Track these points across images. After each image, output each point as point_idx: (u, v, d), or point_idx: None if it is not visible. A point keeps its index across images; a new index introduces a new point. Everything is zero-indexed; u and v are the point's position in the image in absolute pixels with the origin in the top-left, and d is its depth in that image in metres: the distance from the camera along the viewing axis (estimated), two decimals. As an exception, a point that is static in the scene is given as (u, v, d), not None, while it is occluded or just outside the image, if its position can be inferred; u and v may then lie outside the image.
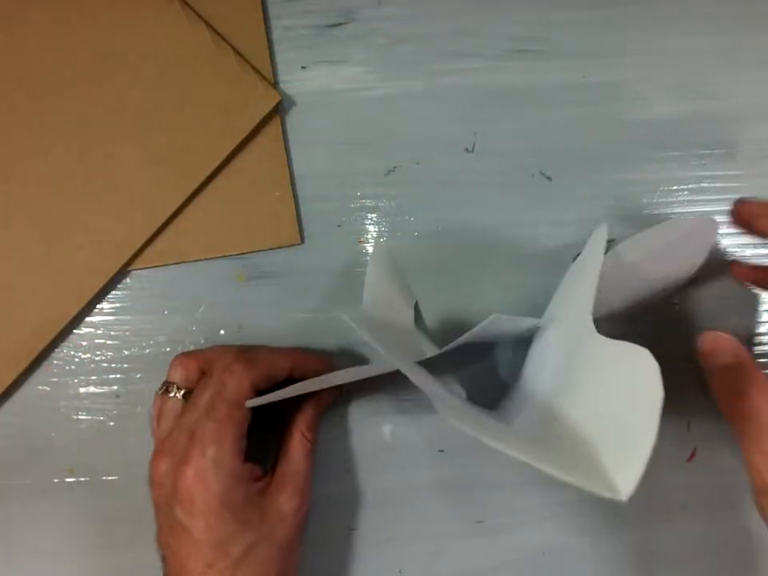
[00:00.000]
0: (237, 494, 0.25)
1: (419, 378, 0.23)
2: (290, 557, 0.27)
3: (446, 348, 0.25)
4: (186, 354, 0.29)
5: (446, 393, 0.26)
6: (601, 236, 0.24)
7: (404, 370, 0.23)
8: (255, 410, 0.27)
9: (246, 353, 0.28)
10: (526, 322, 0.27)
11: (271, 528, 0.26)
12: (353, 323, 0.24)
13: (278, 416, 0.30)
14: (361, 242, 0.33)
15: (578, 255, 0.29)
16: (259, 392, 0.26)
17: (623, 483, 0.17)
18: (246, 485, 0.26)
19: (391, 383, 0.32)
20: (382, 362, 0.25)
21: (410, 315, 0.32)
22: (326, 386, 0.27)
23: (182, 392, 0.28)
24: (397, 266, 0.31)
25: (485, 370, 0.25)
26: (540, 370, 0.27)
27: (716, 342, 0.26)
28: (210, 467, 0.25)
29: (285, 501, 0.27)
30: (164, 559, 0.26)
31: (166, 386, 0.28)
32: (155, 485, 0.26)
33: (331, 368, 0.30)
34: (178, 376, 0.28)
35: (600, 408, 0.21)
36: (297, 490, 0.27)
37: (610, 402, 0.20)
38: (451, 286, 0.33)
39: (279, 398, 0.26)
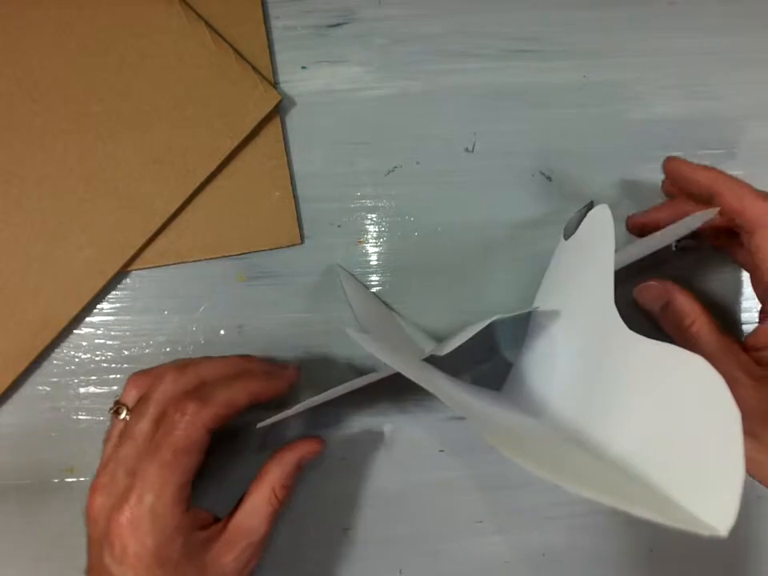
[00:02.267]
0: (173, 548, 0.23)
1: (425, 378, 0.23)
2: None
3: (447, 350, 0.25)
4: (141, 373, 0.26)
5: (453, 385, 0.26)
6: (605, 220, 0.23)
7: (410, 376, 0.22)
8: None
9: (199, 386, 0.25)
10: (522, 313, 0.27)
11: None
12: (358, 339, 0.23)
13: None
14: (361, 242, 0.33)
15: (569, 227, 0.29)
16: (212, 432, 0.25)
17: (718, 519, 0.15)
18: (186, 536, 0.23)
19: (391, 383, 0.32)
20: (384, 367, 0.25)
21: (396, 317, 0.32)
22: (333, 396, 0.27)
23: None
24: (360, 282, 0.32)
25: (486, 350, 0.25)
26: (550, 373, 0.26)
27: (644, 291, 0.29)
28: (145, 517, 0.22)
29: (230, 560, 0.24)
30: None
31: (117, 407, 0.26)
32: (89, 520, 0.24)
33: (295, 382, 0.28)
34: (130, 398, 0.26)
35: (656, 433, 0.19)
36: (246, 549, 0.24)
37: (669, 425, 0.19)
38: (451, 286, 0.33)
39: (285, 416, 0.26)
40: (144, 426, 0.24)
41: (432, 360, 0.26)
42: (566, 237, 0.28)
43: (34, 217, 0.31)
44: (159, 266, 0.32)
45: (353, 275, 0.33)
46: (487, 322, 0.24)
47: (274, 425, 0.27)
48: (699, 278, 0.33)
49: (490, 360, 0.32)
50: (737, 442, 0.16)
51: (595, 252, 0.23)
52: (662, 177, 0.34)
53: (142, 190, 0.31)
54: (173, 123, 0.31)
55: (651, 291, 0.29)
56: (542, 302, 0.29)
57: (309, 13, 0.34)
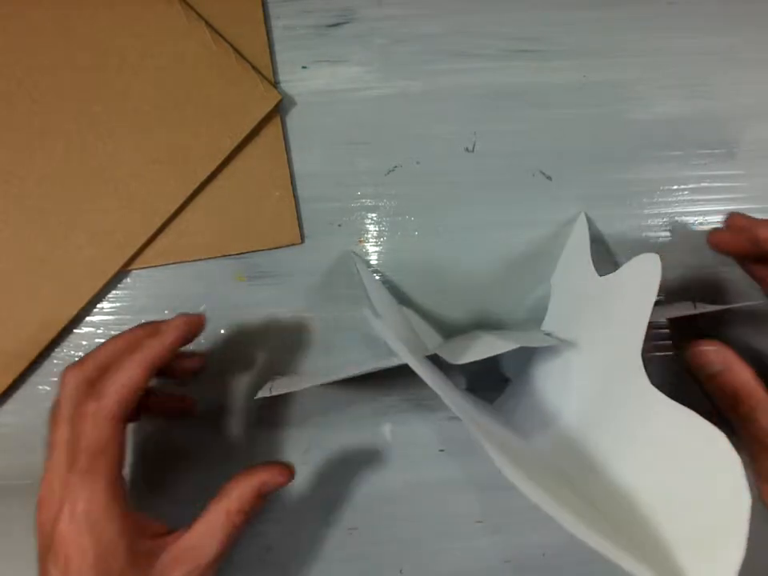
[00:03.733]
0: (115, 556, 0.22)
1: (426, 374, 0.23)
2: None
3: (461, 361, 0.25)
4: (74, 367, 0.24)
5: (448, 387, 0.26)
6: (652, 272, 0.22)
7: (418, 371, 0.22)
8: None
9: (98, 377, 0.24)
10: (536, 339, 0.27)
11: None
12: (374, 323, 0.23)
13: None
14: (361, 242, 0.33)
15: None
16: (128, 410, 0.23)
17: None
18: (130, 542, 0.22)
19: (391, 383, 0.32)
20: (388, 357, 0.25)
21: (403, 309, 0.32)
22: (335, 378, 0.27)
23: None
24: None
25: (486, 362, 0.25)
26: (563, 392, 0.27)
27: (700, 355, 0.26)
28: (83, 525, 0.22)
29: None
30: None
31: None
32: (37, 533, 0.23)
33: (191, 330, 0.26)
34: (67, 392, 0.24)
35: (665, 490, 0.20)
36: (194, 571, 0.23)
37: (679, 487, 0.19)
38: (451, 285, 0.33)
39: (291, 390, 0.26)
40: (63, 432, 0.23)
41: (432, 359, 0.26)
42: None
43: (34, 217, 0.31)
44: (159, 266, 0.32)
45: (366, 263, 0.33)
46: (512, 346, 0.24)
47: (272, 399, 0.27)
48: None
49: (487, 371, 0.32)
50: (742, 529, 0.16)
51: (634, 301, 0.23)
52: (661, 176, 0.34)
53: (142, 190, 0.31)
54: (173, 123, 0.31)
55: (708, 356, 0.26)
56: (557, 326, 0.29)
57: (309, 13, 0.34)
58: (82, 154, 0.31)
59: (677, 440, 0.20)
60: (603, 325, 0.26)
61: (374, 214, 0.33)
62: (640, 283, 0.23)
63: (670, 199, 0.34)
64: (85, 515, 0.22)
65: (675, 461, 0.20)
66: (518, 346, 0.24)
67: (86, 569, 0.22)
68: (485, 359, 0.24)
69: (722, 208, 0.34)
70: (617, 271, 0.26)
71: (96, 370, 0.24)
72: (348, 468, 0.32)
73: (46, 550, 0.23)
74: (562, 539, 0.32)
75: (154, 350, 0.24)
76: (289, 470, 0.25)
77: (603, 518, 0.20)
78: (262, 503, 0.25)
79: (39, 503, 0.23)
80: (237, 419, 0.32)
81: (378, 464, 0.32)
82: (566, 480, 0.23)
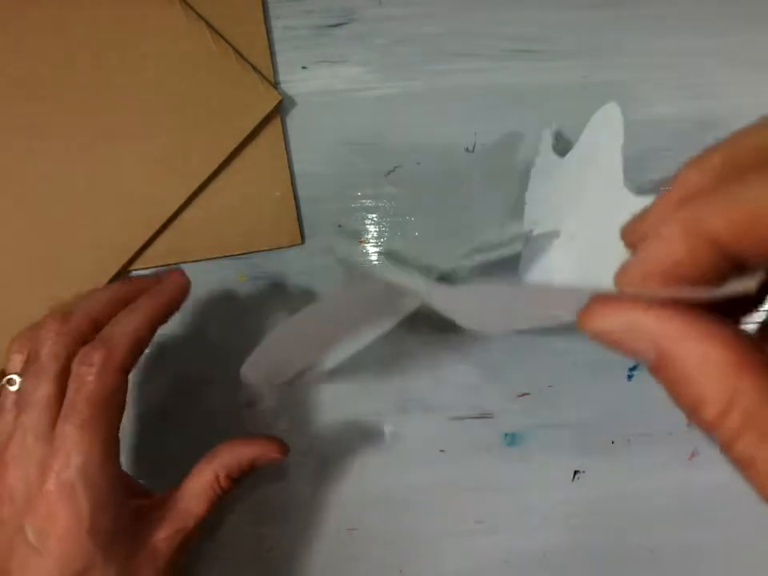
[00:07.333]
0: (107, 514, 0.21)
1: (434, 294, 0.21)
2: None
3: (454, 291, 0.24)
4: (22, 333, 0.23)
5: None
6: (614, 114, 0.22)
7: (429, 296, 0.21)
8: None
9: (92, 327, 0.22)
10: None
11: (137, 566, 0.21)
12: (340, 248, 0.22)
13: None
14: (361, 242, 0.33)
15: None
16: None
17: None
18: (120, 502, 0.21)
19: (391, 383, 0.32)
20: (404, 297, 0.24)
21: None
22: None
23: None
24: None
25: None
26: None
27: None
28: (77, 481, 0.20)
29: (163, 538, 0.22)
30: None
31: (5, 378, 0.22)
32: (1, 500, 0.21)
33: (186, 283, 0.26)
34: (17, 363, 0.23)
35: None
36: (180, 531, 0.23)
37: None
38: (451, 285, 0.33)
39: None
40: (45, 388, 0.21)
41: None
42: None
43: (35, 217, 0.31)
44: (159, 266, 0.32)
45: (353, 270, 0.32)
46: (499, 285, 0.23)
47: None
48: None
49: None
50: None
51: (604, 155, 0.22)
52: (660, 176, 0.34)
53: (142, 190, 0.31)
54: (173, 123, 0.31)
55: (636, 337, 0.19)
56: (535, 225, 0.28)
57: (309, 13, 0.34)
58: (82, 154, 0.31)
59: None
60: (581, 195, 0.24)
61: (374, 215, 0.33)
62: (605, 135, 0.22)
63: (669, 199, 0.34)
64: (80, 469, 0.20)
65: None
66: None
67: (74, 526, 0.20)
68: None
69: (722, 208, 0.34)
70: (578, 140, 0.25)
71: (88, 323, 0.22)
72: (348, 468, 0.32)
73: (21, 510, 0.20)
74: (562, 539, 0.32)
75: (158, 304, 0.24)
76: (285, 448, 0.26)
77: None
78: (250, 474, 0.25)
79: (7, 464, 0.21)
80: (236, 419, 0.32)
81: (378, 464, 0.32)
82: None
